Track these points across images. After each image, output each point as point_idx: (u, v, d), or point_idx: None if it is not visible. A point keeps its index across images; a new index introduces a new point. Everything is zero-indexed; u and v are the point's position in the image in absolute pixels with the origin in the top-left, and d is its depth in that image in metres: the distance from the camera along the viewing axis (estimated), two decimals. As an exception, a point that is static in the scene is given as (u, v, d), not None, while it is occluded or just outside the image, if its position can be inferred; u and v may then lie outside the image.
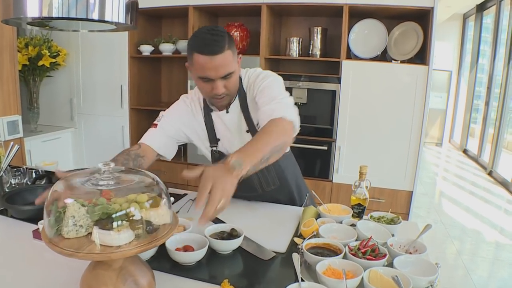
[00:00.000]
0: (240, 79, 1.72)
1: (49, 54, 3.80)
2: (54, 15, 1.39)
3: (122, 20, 1.54)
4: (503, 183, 6.63)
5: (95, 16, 1.44)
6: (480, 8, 8.46)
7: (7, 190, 2.04)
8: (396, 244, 1.49)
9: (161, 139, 1.78)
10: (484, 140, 8.09)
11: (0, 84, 2.78)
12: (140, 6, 3.56)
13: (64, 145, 4.23)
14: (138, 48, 3.89)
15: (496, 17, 7.48)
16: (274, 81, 1.69)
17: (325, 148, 3.40)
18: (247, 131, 1.72)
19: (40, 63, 3.77)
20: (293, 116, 1.55)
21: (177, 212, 1.81)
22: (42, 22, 1.72)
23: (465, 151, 9.20)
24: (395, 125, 3.24)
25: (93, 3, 1.43)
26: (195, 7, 3.58)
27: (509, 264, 3.75)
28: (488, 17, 8.43)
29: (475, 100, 9.07)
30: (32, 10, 1.40)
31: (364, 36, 3.35)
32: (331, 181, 3.45)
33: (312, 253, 1.31)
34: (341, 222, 1.71)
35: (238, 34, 3.59)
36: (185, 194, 2.13)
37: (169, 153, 1.84)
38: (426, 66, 3.13)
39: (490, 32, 7.95)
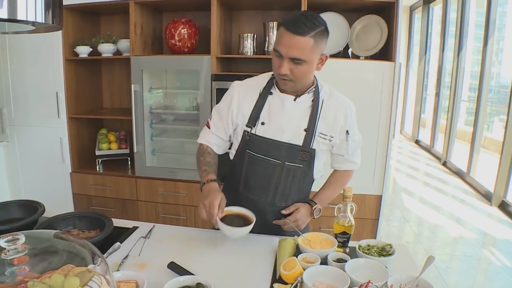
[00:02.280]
0: (317, 83, 1.73)
1: (-31, 59, 3.34)
2: None
3: (41, 19, 1.25)
4: (458, 173, 6.64)
5: (3, 14, 1.16)
6: (427, 0, 8.48)
7: None
8: (397, 283, 1.26)
9: (215, 140, 1.83)
10: (436, 131, 8.13)
11: None
12: (74, 1, 3.22)
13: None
14: (74, 50, 3.47)
15: (444, 9, 7.50)
16: (358, 133, 1.87)
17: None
18: (305, 130, 1.68)
19: (-41, 70, 3.31)
20: (360, 162, 1.93)
21: (125, 257, 1.49)
22: None
23: (417, 142, 9.25)
24: (361, 126, 2.98)
25: (-1, 0, 1.12)
26: (136, 2, 3.21)
27: (478, 259, 3.67)
28: (435, 9, 8.46)
29: (424, 91, 9.13)
30: None
31: (324, 30, 3.09)
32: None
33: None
34: (325, 258, 1.45)
35: (185, 32, 3.25)
36: (135, 228, 1.80)
37: (224, 150, 1.89)
38: (392, 62, 2.92)
39: (439, 24, 7.99)
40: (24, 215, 1.82)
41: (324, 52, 1.61)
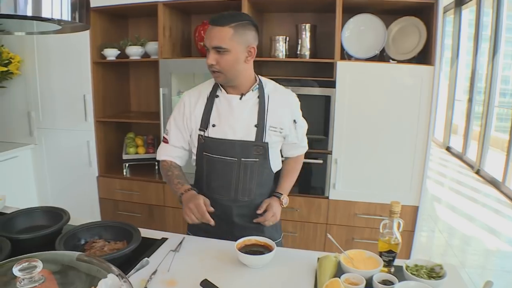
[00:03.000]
0: (260, 80, 1.83)
1: (-2, 62, 3.32)
2: None
3: (66, 17, 1.22)
4: (493, 182, 6.40)
5: (28, 12, 1.11)
6: (459, 3, 8.24)
7: None
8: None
9: (176, 152, 1.90)
10: (468, 137, 7.88)
11: None
12: (102, 4, 3.17)
13: (22, 164, 3.73)
14: (102, 52, 3.42)
15: (477, 12, 7.27)
16: (303, 120, 1.98)
17: (320, 161, 3.00)
18: (255, 126, 1.76)
19: (-11, 72, 3.29)
20: (307, 146, 2.08)
21: (154, 273, 1.40)
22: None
23: (448, 149, 9.00)
24: (398, 134, 2.87)
25: (23, -3, 1.07)
26: (165, 4, 3.14)
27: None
28: (467, 12, 8.23)
29: (456, 96, 8.88)
30: None
31: (359, 33, 2.96)
32: (327, 197, 3.06)
33: None
34: (370, 279, 1.33)
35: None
36: (164, 240, 1.71)
37: (186, 161, 1.96)
38: (431, 66, 2.76)
39: (469, 27, 7.77)
40: (48, 222, 1.78)
41: (253, 45, 1.70)
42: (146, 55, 3.48)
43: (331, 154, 2.98)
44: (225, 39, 1.61)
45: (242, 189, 1.81)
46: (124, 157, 3.66)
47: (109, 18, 3.56)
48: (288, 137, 1.88)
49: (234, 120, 1.77)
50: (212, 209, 1.66)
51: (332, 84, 2.88)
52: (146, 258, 1.46)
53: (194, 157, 1.89)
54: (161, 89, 3.20)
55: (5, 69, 3.37)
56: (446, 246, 4.11)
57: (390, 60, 2.98)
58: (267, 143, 1.77)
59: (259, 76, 1.85)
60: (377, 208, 2.97)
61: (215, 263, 1.52)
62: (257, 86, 1.80)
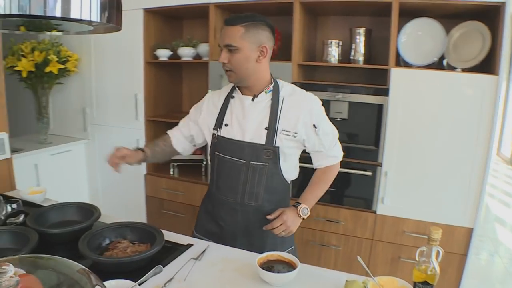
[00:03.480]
0: (276, 82, 1.81)
1: (57, 59, 3.41)
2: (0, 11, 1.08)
3: (96, 18, 1.23)
4: None
5: (58, 13, 1.13)
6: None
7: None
8: None
9: (177, 133, 2.03)
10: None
11: None
12: (155, 5, 3.19)
13: (76, 158, 3.85)
14: (155, 53, 3.45)
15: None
16: (331, 125, 1.87)
17: (369, 173, 2.84)
18: (266, 129, 1.74)
19: (47, 69, 3.39)
20: (341, 155, 1.94)
21: (169, 280, 1.37)
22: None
23: (517, 165, 8.43)
24: (455, 148, 2.66)
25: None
26: (217, 6, 3.10)
27: None
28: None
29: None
30: None
31: (417, 38, 2.78)
32: (375, 212, 2.90)
33: None
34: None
35: (266, 37, 3.08)
36: (189, 246, 1.67)
37: (185, 151, 2.06)
38: (495, 76, 2.53)
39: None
40: (80, 218, 1.82)
41: (265, 45, 1.70)
42: (198, 56, 3.47)
43: (381, 166, 2.82)
44: (236, 38, 1.64)
45: (249, 193, 1.79)
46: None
47: (163, 19, 3.58)
48: (308, 143, 1.81)
49: (245, 121, 1.77)
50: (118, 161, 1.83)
51: (385, 92, 2.72)
52: (160, 266, 1.42)
53: (208, 156, 1.95)
54: (209, 91, 3.16)
55: (62, 66, 3.46)
56: (505, 273, 3.81)
57: (450, 68, 2.77)
58: (277, 147, 1.74)
59: (278, 79, 1.83)
60: (427, 227, 2.75)
61: (235, 276, 1.45)
62: (271, 88, 1.78)
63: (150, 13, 3.35)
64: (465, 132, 2.62)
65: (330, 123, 1.86)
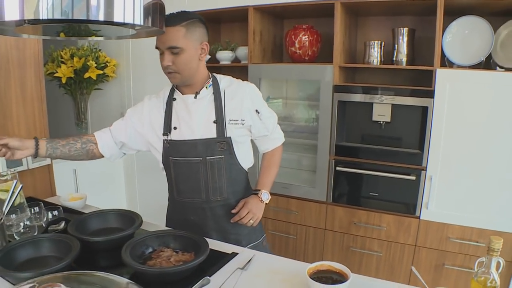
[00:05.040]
0: (214, 76, 1.85)
1: (95, 65, 3.45)
2: (43, 17, 1.07)
3: (139, 21, 1.23)
4: None
5: (101, 16, 1.13)
6: None
7: (10, 240, 1.63)
8: None
9: (108, 141, 1.92)
10: None
11: (23, 104, 2.39)
12: (194, 8, 3.18)
13: (113, 163, 3.85)
14: (193, 57, 3.44)
15: None
16: (268, 107, 1.93)
17: (413, 177, 2.75)
18: (214, 122, 1.76)
19: (86, 75, 3.43)
20: (283, 136, 2.07)
21: None
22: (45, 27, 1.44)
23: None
24: (503, 151, 2.55)
25: (96, 3, 1.12)
26: (256, 9, 3.08)
27: None
28: None
29: None
30: (11, 11, 1.09)
31: (464, 37, 2.69)
32: (418, 217, 2.80)
33: None
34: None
35: (306, 39, 3.03)
36: (234, 255, 1.62)
37: (113, 157, 1.99)
38: (547, 75, 2.43)
39: None
40: (121, 225, 1.80)
41: (205, 42, 1.74)
42: (236, 60, 3.45)
43: (425, 170, 2.73)
44: (179, 38, 1.63)
45: (213, 189, 1.81)
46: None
47: (202, 23, 3.56)
48: (254, 129, 1.86)
49: (192, 120, 1.78)
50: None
51: (430, 94, 2.64)
52: (207, 277, 1.38)
53: (161, 165, 1.89)
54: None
55: (101, 72, 3.50)
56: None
57: (497, 68, 2.66)
58: (229, 137, 1.78)
59: (213, 74, 1.87)
60: (473, 233, 2.67)
61: (284, 287, 1.40)
62: (211, 83, 1.81)
63: (188, 17, 3.34)
64: (513, 135, 2.52)
65: (268, 107, 1.93)
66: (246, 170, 1.93)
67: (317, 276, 1.39)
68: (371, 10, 3.05)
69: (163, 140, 1.82)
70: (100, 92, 3.80)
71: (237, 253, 1.63)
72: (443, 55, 2.68)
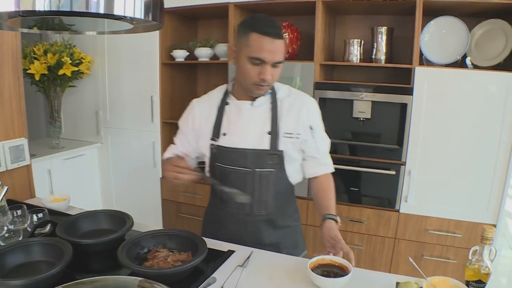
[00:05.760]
0: (273, 85, 1.70)
1: (70, 61, 3.36)
2: (40, 8, 1.02)
3: (139, 15, 1.18)
4: None
5: (101, 9, 1.08)
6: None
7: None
8: None
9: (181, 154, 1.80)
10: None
11: (0, 102, 2.28)
12: (173, 5, 3.15)
13: (89, 162, 3.79)
14: (171, 54, 3.42)
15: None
16: (323, 129, 1.79)
17: (392, 172, 2.84)
18: (269, 133, 1.65)
19: (61, 72, 3.33)
20: (332, 167, 1.83)
21: None
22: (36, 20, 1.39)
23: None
24: (478, 146, 2.66)
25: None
26: (236, 6, 3.08)
27: None
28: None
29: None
30: (5, 2, 1.00)
31: (441, 37, 2.78)
32: (398, 211, 2.89)
33: None
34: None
35: (287, 36, 3.05)
36: (231, 253, 1.61)
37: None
38: (519, 73, 2.54)
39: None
40: (111, 226, 1.74)
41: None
42: (215, 57, 3.44)
43: (404, 165, 2.82)
44: (283, 52, 1.56)
45: (258, 202, 1.70)
46: (188, 159, 3.60)
47: (179, 19, 3.55)
48: (306, 145, 1.72)
49: (245, 128, 1.67)
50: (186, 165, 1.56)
51: (409, 91, 2.72)
52: (213, 276, 1.37)
53: (207, 168, 1.80)
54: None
55: (76, 69, 3.41)
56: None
57: (473, 67, 2.77)
58: (282, 151, 1.66)
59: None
60: (450, 225, 2.78)
61: (286, 283, 1.41)
62: (269, 91, 1.69)
63: (167, 13, 3.30)
64: (488, 129, 2.63)
65: (324, 131, 1.79)
66: (294, 185, 1.80)
67: (319, 270, 1.41)
68: (350, 9, 3.11)
69: (210, 145, 1.72)
70: (74, 90, 3.71)
71: (234, 251, 1.62)
72: (421, 53, 2.77)
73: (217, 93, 1.79)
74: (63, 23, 1.56)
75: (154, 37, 3.32)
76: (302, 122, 1.68)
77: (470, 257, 1.33)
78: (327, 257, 1.46)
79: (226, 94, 1.74)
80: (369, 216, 2.96)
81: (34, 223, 1.76)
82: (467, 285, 1.30)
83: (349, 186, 2.99)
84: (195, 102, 1.84)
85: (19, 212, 1.73)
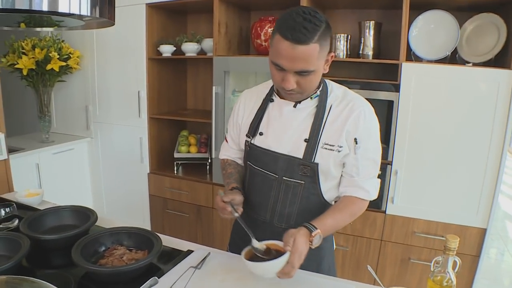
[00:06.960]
0: (326, 84, 1.49)
1: (58, 57, 3.34)
2: None
3: (86, 12, 1.18)
4: None
5: (44, 7, 1.08)
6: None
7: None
8: None
9: (235, 154, 1.75)
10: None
11: None
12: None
13: (79, 157, 3.78)
14: (158, 49, 3.36)
15: None
16: (378, 150, 1.50)
17: (378, 172, 2.74)
18: (305, 141, 1.44)
19: (49, 67, 3.32)
20: (375, 195, 1.50)
21: None
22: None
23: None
24: (468, 145, 2.56)
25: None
26: (221, 0, 3.02)
27: None
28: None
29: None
30: None
31: (429, 32, 2.68)
32: (384, 212, 2.80)
33: None
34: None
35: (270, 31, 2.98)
36: (190, 253, 1.56)
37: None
38: (510, 70, 2.43)
39: None
40: (75, 222, 1.74)
41: (332, 51, 1.44)
42: (202, 52, 3.38)
43: (391, 164, 2.72)
44: (312, 60, 1.27)
45: (279, 213, 1.53)
46: (176, 155, 3.57)
47: (167, 14, 3.49)
48: (346, 163, 1.47)
49: (282, 131, 1.49)
50: (229, 200, 1.42)
51: (396, 88, 2.63)
52: (155, 277, 1.32)
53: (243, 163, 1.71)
54: (214, 88, 3.08)
55: (64, 64, 3.40)
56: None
57: (463, 62, 2.66)
58: (316, 164, 1.43)
59: (328, 80, 1.53)
60: (438, 227, 2.68)
61: (235, 286, 1.35)
62: (318, 93, 1.46)
63: (153, 8, 3.26)
64: (478, 128, 2.53)
65: (379, 149, 1.50)
66: (331, 203, 1.56)
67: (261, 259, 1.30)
68: (337, 3, 3.02)
69: (246, 141, 1.59)
70: (63, 84, 3.70)
71: (192, 251, 1.57)
72: (409, 49, 2.67)
73: (265, 86, 1.63)
74: (51, 19, 1.55)
75: (140, 32, 3.28)
76: (346, 131, 1.42)
77: (432, 268, 1.26)
78: (267, 242, 1.37)
79: (272, 89, 1.57)
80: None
81: (2, 217, 1.77)
82: (429, 298, 1.23)
83: (334, 186, 2.90)
84: (244, 93, 1.70)
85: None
